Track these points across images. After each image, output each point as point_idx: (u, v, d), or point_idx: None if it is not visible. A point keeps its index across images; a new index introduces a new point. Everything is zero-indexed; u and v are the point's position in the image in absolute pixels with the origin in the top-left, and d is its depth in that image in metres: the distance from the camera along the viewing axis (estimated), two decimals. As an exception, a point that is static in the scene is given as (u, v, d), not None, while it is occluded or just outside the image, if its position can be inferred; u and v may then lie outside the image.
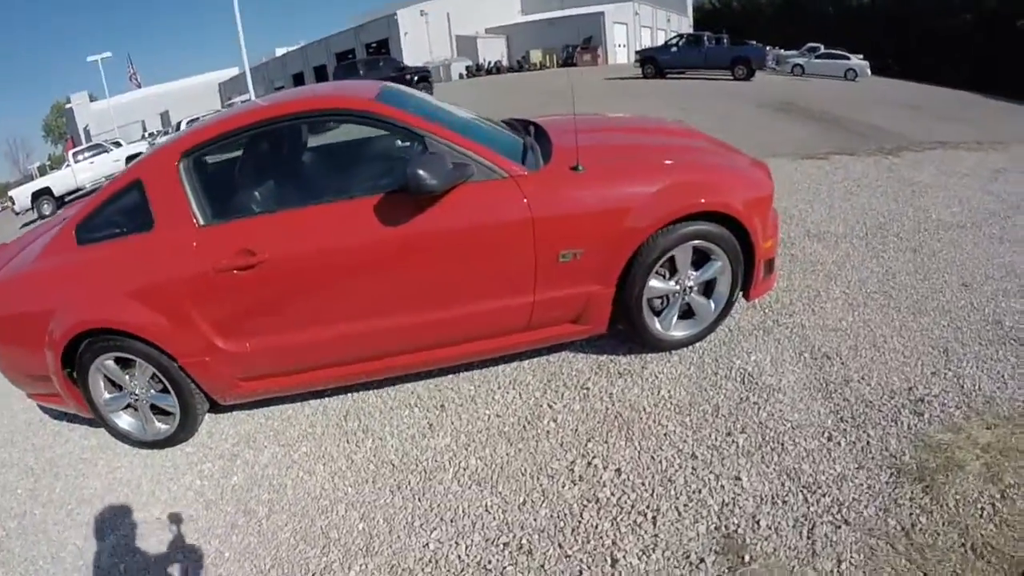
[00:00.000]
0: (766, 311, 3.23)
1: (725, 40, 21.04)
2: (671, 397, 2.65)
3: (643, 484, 2.20)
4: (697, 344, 2.96)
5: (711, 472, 2.20)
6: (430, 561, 2.03)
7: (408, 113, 2.58)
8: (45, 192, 16.85)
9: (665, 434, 2.43)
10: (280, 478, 2.55)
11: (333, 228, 2.49)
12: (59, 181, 17.24)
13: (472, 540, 2.07)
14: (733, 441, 2.32)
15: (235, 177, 2.89)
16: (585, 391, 2.77)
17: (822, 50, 26.69)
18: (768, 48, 25.61)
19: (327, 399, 3.01)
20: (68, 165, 17.85)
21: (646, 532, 2.01)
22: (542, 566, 1.95)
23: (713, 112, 11.45)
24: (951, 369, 2.56)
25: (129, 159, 19.92)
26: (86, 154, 18.21)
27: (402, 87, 3.38)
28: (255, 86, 40.87)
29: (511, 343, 2.78)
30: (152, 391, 2.78)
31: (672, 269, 2.73)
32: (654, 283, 2.71)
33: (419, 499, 2.29)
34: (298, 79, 40.42)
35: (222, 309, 2.57)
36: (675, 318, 2.86)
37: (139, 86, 43.82)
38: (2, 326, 2.75)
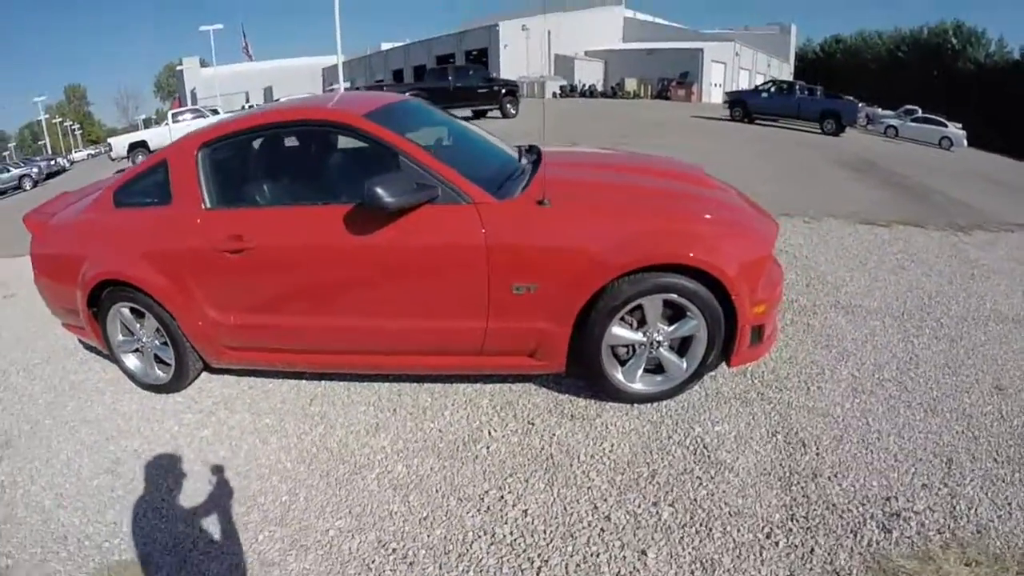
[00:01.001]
0: (755, 380, 2.92)
1: (818, 91, 19.88)
2: (611, 451, 2.43)
3: (544, 532, 2.07)
4: (664, 402, 2.70)
5: (619, 539, 1.99)
6: (326, 545, 2.15)
7: (388, 131, 2.65)
8: (141, 145, 17.85)
9: (588, 487, 2.24)
10: (240, 440, 2.80)
11: (309, 229, 2.70)
12: (156, 137, 18.10)
13: (366, 538, 2.16)
14: (657, 512, 2.08)
15: (240, 171, 3.14)
16: (530, 426, 2.64)
17: (919, 114, 25.00)
18: (862, 105, 24.27)
19: (303, 382, 3.17)
20: (166, 124, 19.00)
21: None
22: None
23: (785, 161, 10.82)
24: (948, 485, 2.17)
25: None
26: (186, 116, 19.36)
27: (422, 104, 3.71)
28: (356, 76, 42.73)
29: (463, 364, 2.75)
30: (156, 342, 3.16)
31: (641, 319, 2.53)
32: (618, 331, 2.54)
33: (339, 488, 2.42)
34: (397, 75, 41.81)
35: (213, 283, 2.87)
36: (640, 371, 2.66)
37: (251, 58, 46.53)
38: (48, 262, 3.31)
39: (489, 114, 19.08)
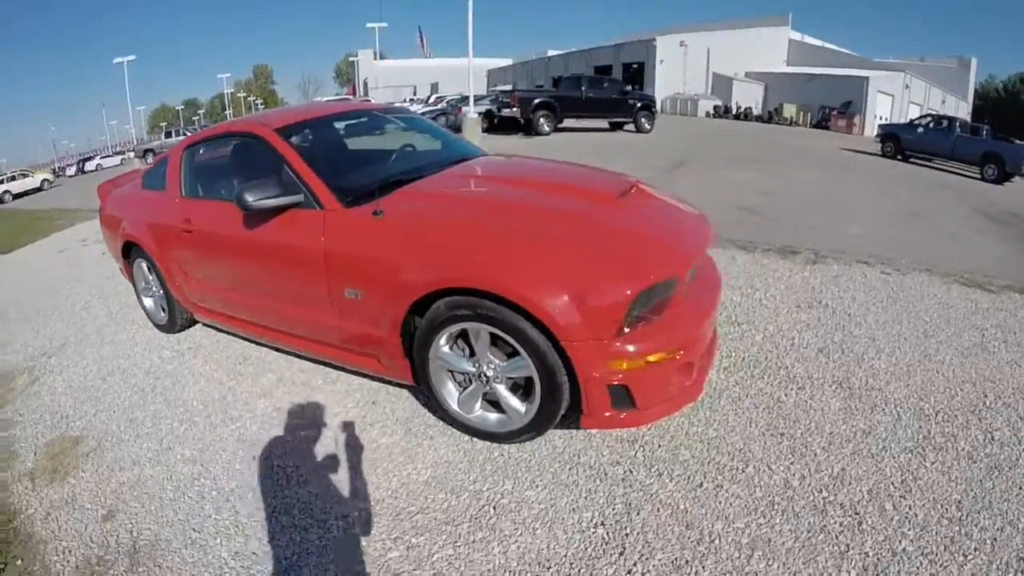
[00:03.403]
0: (636, 452, 2.43)
1: (984, 131, 16.32)
2: (409, 473, 2.39)
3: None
4: (506, 445, 2.48)
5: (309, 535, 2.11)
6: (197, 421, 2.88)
7: (283, 143, 2.91)
8: (302, 125, 20.31)
9: (339, 489, 2.31)
10: (189, 378, 3.42)
11: (220, 220, 3.10)
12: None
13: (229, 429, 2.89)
14: (384, 552, 2.04)
15: (198, 169, 3.62)
16: (369, 425, 2.72)
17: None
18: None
19: (266, 353, 3.56)
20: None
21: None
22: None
23: (911, 204, 9.19)
24: None
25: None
26: (331, 103, 21.52)
27: (381, 116, 4.03)
28: (517, 79, 43.96)
29: (335, 355, 2.87)
30: (160, 292, 3.89)
31: (473, 348, 2.36)
32: (446, 352, 2.41)
33: (215, 419, 2.98)
34: (556, 82, 42.10)
35: (181, 254, 3.49)
36: (477, 404, 2.47)
37: (428, 56, 49.72)
38: (106, 220, 4.29)
39: (625, 127, 18.72)
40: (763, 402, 2.74)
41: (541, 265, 2.16)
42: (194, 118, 72.25)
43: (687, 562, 1.90)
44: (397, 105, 4.27)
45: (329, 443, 2.62)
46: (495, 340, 2.28)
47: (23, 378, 3.73)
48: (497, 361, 2.33)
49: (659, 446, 2.45)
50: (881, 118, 26.70)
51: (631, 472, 2.31)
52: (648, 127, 18.52)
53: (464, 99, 19.10)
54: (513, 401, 2.37)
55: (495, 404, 2.45)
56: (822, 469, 2.29)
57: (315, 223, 2.64)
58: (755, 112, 29.13)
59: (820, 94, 26.51)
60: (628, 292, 2.07)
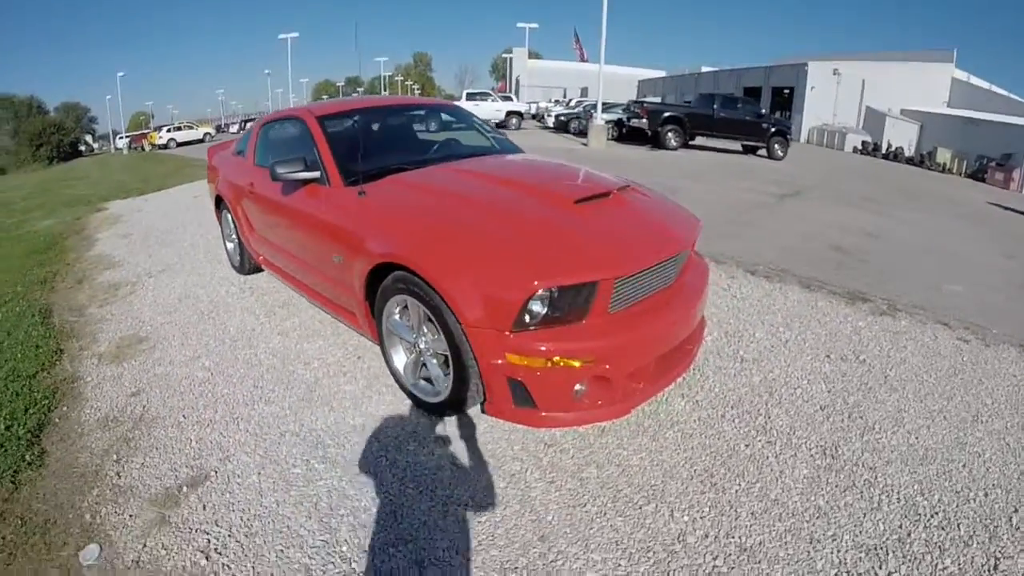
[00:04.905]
0: (550, 450, 2.44)
1: None
2: (325, 414, 2.77)
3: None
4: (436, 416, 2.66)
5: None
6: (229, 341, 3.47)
7: (318, 127, 3.42)
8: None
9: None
10: (237, 310, 4.16)
11: (270, 186, 3.58)
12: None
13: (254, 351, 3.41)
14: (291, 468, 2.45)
15: (265, 143, 4.27)
16: (343, 365, 3.14)
17: None
18: None
19: (300, 300, 4.14)
20: (462, 101, 22.56)
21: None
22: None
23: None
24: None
25: (509, 113, 23.98)
26: (477, 99, 22.70)
27: (409, 111, 4.42)
28: (667, 92, 43.12)
29: (332, 308, 3.30)
30: (236, 239, 4.64)
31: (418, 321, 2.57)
32: (396, 320, 2.68)
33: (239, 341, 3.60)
34: (706, 97, 40.74)
35: (248, 209, 4.20)
36: (417, 373, 2.70)
37: (584, 60, 50.02)
38: (211, 176, 5.16)
39: (758, 152, 17.93)
40: (715, 446, 2.48)
41: (457, 253, 2.36)
42: (353, 94, 78.37)
43: (515, 569, 1.89)
44: (447, 102, 4.70)
45: (305, 378, 3.12)
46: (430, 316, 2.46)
47: (125, 288, 4.75)
48: (430, 336, 2.55)
49: (571, 456, 2.41)
50: (1046, 176, 22.78)
51: (526, 471, 2.32)
52: (781, 154, 17.60)
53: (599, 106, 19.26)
54: (438, 373, 2.55)
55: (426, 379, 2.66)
56: (734, 536, 2.00)
57: (322, 197, 3.13)
58: (906, 153, 26.25)
59: (980, 142, 23.08)
60: (528, 288, 2.13)
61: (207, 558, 1.98)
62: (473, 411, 2.65)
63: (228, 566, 1.95)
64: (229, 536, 2.06)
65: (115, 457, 2.54)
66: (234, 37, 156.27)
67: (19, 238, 7.67)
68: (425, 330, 2.56)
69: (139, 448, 2.60)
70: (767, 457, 2.41)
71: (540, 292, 2.15)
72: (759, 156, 18.04)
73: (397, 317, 2.69)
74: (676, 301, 2.56)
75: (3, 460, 2.50)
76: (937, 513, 2.12)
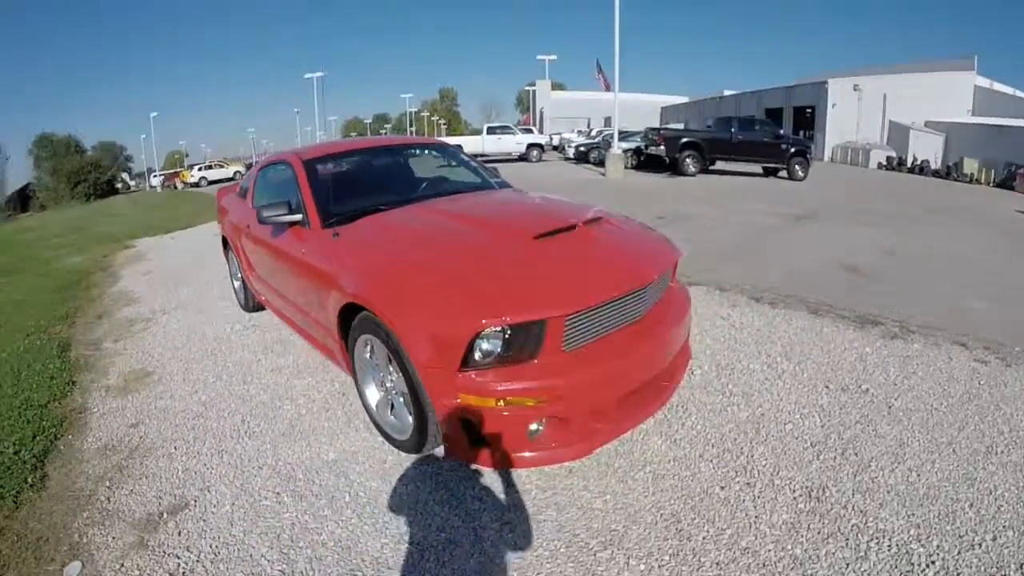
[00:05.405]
0: (510, 492, 2.41)
1: None
2: (315, 445, 2.88)
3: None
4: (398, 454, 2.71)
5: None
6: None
7: (303, 172, 3.56)
8: (457, 147, 22.21)
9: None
10: (238, 347, 4.34)
11: (263, 228, 3.73)
12: (469, 143, 22.14)
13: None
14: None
15: (260, 187, 4.48)
16: (329, 399, 3.28)
17: None
18: None
19: (297, 339, 4.15)
20: (483, 135, 23.00)
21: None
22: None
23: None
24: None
25: (530, 146, 24.27)
26: (498, 132, 23.12)
27: (394, 151, 4.48)
28: (691, 119, 43.10)
29: (317, 345, 3.42)
30: (240, 277, 4.88)
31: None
32: (367, 359, 2.74)
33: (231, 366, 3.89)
34: (724, 121, 40.66)
35: (247, 249, 4.39)
36: (388, 410, 2.75)
37: (607, 89, 50.52)
38: (219, 212, 5.45)
39: (779, 174, 17.78)
40: (687, 488, 2.37)
41: (408, 293, 2.38)
42: (381, 131, 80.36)
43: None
44: (436, 140, 4.88)
45: (289, 414, 3.25)
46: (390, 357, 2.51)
47: (140, 324, 5.04)
48: (394, 375, 2.57)
49: (533, 498, 2.36)
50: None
51: (482, 512, 2.30)
52: (801, 174, 17.43)
53: (620, 135, 19.43)
54: (403, 412, 2.60)
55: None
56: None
57: (305, 238, 3.26)
58: (932, 166, 25.57)
59: (1008, 149, 22.22)
60: (474, 325, 2.12)
61: (175, 581, 2.12)
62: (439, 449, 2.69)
63: (192, 590, 2.08)
64: (197, 561, 2.19)
65: (108, 483, 2.72)
66: (265, 76, 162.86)
67: (48, 273, 8.19)
68: (391, 369, 2.58)
69: (131, 475, 2.78)
70: (743, 500, 2.27)
71: (488, 330, 2.13)
72: (779, 178, 17.88)
73: (368, 356, 2.76)
74: (645, 336, 2.48)
75: (8, 482, 2.72)
76: (934, 562, 1.91)
